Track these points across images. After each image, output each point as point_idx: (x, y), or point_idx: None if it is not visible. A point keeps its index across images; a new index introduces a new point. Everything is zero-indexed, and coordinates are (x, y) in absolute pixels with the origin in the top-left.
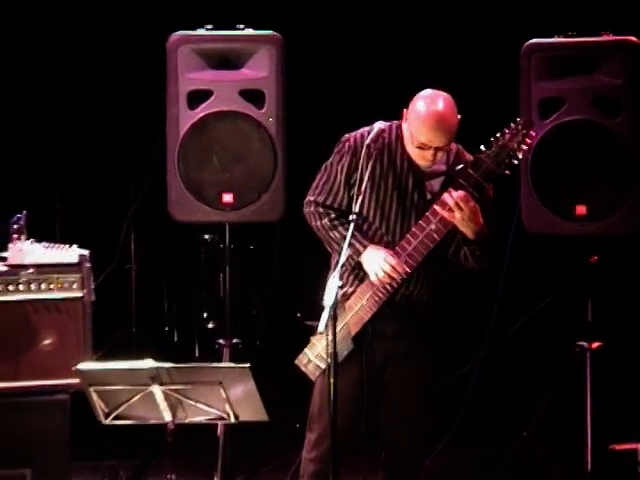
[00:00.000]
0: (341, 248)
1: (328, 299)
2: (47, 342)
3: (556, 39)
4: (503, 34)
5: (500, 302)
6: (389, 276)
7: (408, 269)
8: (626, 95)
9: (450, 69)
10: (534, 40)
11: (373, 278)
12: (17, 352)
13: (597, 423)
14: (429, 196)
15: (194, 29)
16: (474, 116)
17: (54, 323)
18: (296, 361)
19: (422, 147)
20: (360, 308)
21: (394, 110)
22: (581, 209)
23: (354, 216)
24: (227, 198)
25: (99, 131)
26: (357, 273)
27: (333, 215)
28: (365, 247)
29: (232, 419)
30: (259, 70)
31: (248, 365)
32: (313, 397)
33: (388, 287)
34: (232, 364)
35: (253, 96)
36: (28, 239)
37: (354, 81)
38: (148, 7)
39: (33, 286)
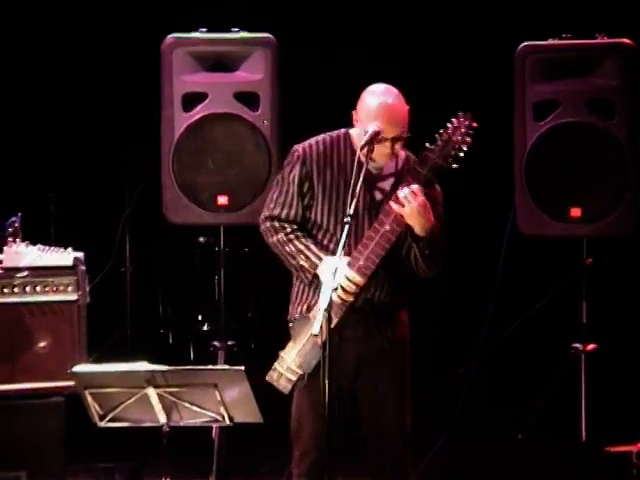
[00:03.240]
0: (297, 262)
1: (323, 302)
2: (42, 345)
3: (551, 41)
4: (498, 36)
5: (495, 304)
6: (344, 290)
7: (367, 272)
8: (620, 97)
9: (445, 71)
10: (529, 42)
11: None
12: (12, 355)
13: (592, 425)
14: (379, 197)
15: (189, 32)
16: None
17: (49, 326)
18: (267, 378)
19: (379, 141)
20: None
21: None
22: (576, 211)
23: (348, 218)
24: (222, 200)
25: (94, 133)
26: (317, 284)
27: (288, 229)
28: (321, 259)
29: (227, 421)
30: (254, 72)
31: (243, 367)
32: (292, 414)
33: (346, 297)
34: (227, 366)
35: (248, 98)
36: (23, 242)
37: (349, 83)
38: (143, 10)
39: (28, 289)
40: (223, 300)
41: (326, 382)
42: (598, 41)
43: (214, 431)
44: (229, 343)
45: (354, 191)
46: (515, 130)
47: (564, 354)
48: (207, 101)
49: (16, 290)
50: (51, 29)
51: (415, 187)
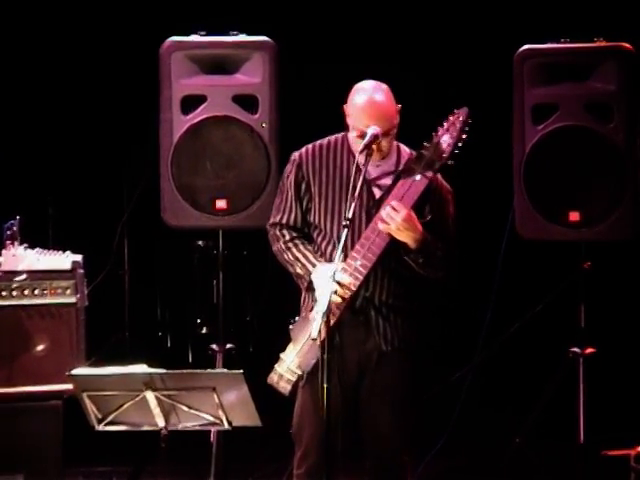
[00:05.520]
0: (294, 270)
1: (321, 305)
2: (40, 348)
3: (549, 45)
4: (497, 40)
5: (493, 308)
6: (339, 294)
7: (360, 276)
8: (619, 101)
9: (444, 75)
10: (527, 46)
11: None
12: (10, 358)
13: (590, 428)
14: (378, 195)
15: (187, 35)
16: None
17: (47, 329)
18: (268, 380)
19: (364, 136)
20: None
21: None
22: (574, 215)
23: (347, 222)
24: (220, 204)
25: (92, 136)
26: (314, 290)
27: (287, 237)
28: (314, 266)
29: (225, 425)
30: (252, 76)
31: (241, 371)
32: (294, 413)
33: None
34: (225, 370)
35: (246, 102)
36: (21, 245)
37: (348, 87)
38: (142, 13)
39: (26, 292)
40: (222, 303)
41: (325, 385)
42: (596, 45)
43: (212, 435)
44: (227, 346)
45: (353, 194)
46: (514, 133)
47: (562, 358)
48: (206, 104)
49: (14, 293)
50: (50, 32)
51: (394, 203)
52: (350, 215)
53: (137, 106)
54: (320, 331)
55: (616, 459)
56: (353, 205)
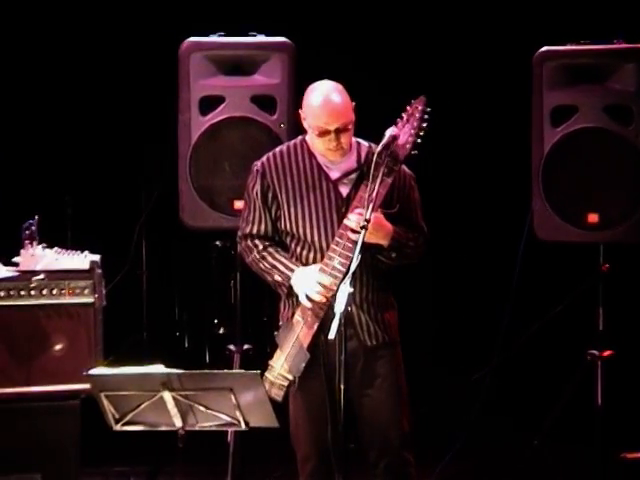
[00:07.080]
0: (272, 278)
1: (338, 306)
2: (58, 348)
3: (568, 47)
4: (515, 42)
5: (511, 310)
6: (322, 295)
7: (339, 274)
8: (638, 103)
9: (463, 77)
10: (546, 48)
11: (304, 302)
12: (28, 358)
13: (608, 431)
14: (345, 192)
15: (206, 36)
16: (487, 123)
17: (65, 329)
18: None
19: (324, 134)
20: (307, 318)
21: None
22: (593, 217)
23: (365, 222)
24: (238, 204)
25: (111, 136)
26: (295, 295)
27: (260, 247)
28: (292, 271)
29: (242, 425)
30: (271, 76)
31: (258, 371)
32: (290, 420)
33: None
34: (243, 370)
35: (265, 102)
36: (40, 245)
37: (365, 88)
38: (161, 13)
39: (45, 292)
40: (239, 304)
41: (342, 387)
42: (616, 46)
43: (229, 435)
44: (245, 347)
45: (370, 196)
46: (532, 135)
47: (580, 360)
48: (224, 105)
49: (33, 293)
50: (70, 32)
51: (358, 212)
52: (368, 216)
53: (155, 106)
54: (336, 331)
55: (635, 462)
56: (371, 206)
